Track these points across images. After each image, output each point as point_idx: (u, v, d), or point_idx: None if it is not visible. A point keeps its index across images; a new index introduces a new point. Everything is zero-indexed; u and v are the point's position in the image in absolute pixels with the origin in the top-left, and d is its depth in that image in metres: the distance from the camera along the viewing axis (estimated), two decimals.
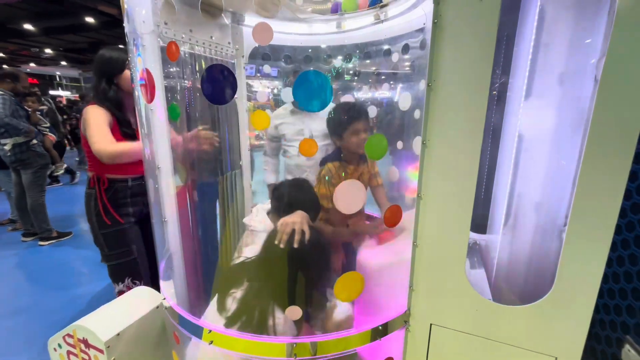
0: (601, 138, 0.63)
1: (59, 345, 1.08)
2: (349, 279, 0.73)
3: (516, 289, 0.94)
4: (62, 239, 3.23)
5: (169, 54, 0.67)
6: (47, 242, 3.13)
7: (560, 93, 0.90)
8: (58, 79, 17.78)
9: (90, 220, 1.41)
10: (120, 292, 1.33)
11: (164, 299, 0.93)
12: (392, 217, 0.76)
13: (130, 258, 1.39)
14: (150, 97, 0.72)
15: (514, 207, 1.00)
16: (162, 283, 1.00)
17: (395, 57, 1.32)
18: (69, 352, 1.07)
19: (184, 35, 1.11)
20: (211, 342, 0.79)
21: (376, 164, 1.33)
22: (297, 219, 0.89)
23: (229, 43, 1.40)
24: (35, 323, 2.03)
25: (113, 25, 7.01)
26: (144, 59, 0.78)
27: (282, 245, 0.86)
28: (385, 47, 1.36)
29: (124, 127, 1.41)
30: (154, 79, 0.70)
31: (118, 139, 1.33)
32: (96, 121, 1.32)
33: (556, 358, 0.75)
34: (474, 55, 0.67)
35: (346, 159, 1.21)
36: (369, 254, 0.94)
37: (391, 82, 1.34)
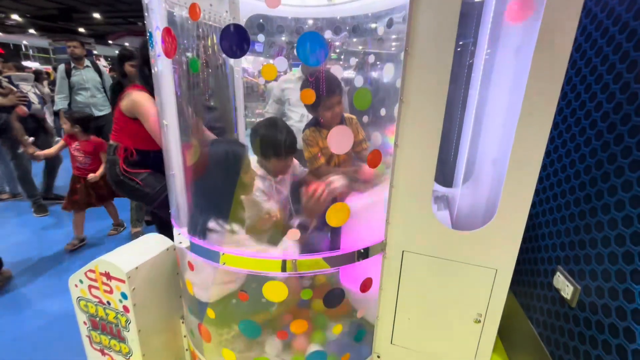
0: (533, 98, 0.81)
1: (80, 281, 1.23)
2: (338, 209, 0.91)
3: (470, 222, 1.16)
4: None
5: (191, 14, 0.79)
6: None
7: (515, 65, 1.08)
8: (24, 49, 16.56)
9: (119, 182, 1.59)
10: None
11: (180, 242, 1.08)
12: (374, 159, 0.93)
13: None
14: (173, 52, 0.84)
15: (469, 165, 1.20)
16: (178, 229, 1.14)
17: (381, 30, 1.46)
18: (90, 287, 1.22)
19: (185, 2, 1.21)
20: (224, 263, 0.95)
21: (362, 130, 1.47)
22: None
23: (227, 12, 1.49)
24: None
25: None
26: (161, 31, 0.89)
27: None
28: (372, 21, 1.48)
29: None
30: (176, 36, 0.81)
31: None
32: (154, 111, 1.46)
33: (497, 270, 0.97)
34: (442, 25, 0.83)
35: (323, 126, 1.34)
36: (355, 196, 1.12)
37: (377, 55, 1.47)
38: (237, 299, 1.00)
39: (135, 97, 1.52)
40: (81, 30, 12.39)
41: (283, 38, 1.65)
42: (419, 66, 0.87)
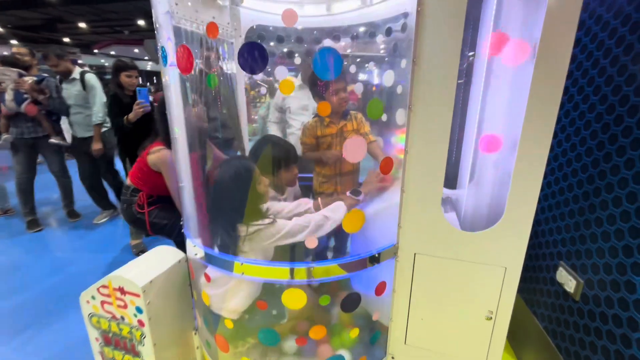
0: (536, 105, 0.86)
1: (92, 297, 1.22)
2: (354, 215, 0.94)
3: (477, 224, 1.20)
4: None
5: (209, 32, 0.81)
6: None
7: (511, 71, 1.13)
8: None
9: (136, 220, 1.73)
10: None
11: (196, 254, 1.09)
12: (386, 166, 0.97)
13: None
14: (188, 69, 0.85)
15: (475, 167, 1.25)
16: (192, 240, 1.15)
17: (379, 38, 1.50)
18: (102, 302, 1.21)
19: (191, 16, 1.23)
20: (242, 273, 0.97)
21: (367, 124, 1.51)
22: None
23: (228, 23, 1.51)
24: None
25: (73, 1, 6.53)
26: (173, 41, 0.91)
27: None
28: (371, 29, 1.52)
29: None
30: (191, 53, 0.83)
31: None
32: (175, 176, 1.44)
33: (506, 268, 1.01)
34: (447, 37, 0.86)
35: (326, 117, 1.39)
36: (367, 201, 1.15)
37: (376, 62, 1.52)
38: (256, 308, 1.02)
39: (164, 157, 1.60)
40: (66, 40, 12.19)
41: (283, 46, 1.68)
42: (425, 76, 0.91)
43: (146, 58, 17.02)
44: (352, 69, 1.63)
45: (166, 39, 0.94)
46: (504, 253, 1.00)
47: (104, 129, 2.87)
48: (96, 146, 2.79)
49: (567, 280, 1.28)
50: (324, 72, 0.80)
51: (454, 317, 1.12)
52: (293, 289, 0.95)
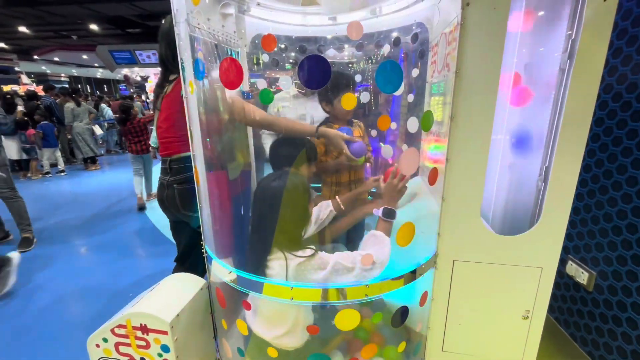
0: (573, 116, 0.91)
1: (104, 340, 1.07)
2: (406, 228, 0.92)
3: (503, 226, 1.24)
4: None
5: (264, 45, 0.75)
6: None
7: (525, 79, 1.19)
8: None
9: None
10: None
11: (230, 272, 1.00)
12: (433, 177, 0.97)
13: None
14: (237, 83, 0.78)
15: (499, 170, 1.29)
16: (218, 262, 1.06)
17: (386, 48, 1.52)
18: (117, 344, 1.07)
19: (204, 24, 1.15)
20: (292, 298, 0.90)
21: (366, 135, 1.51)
22: None
23: (235, 32, 1.43)
24: None
25: (12, 3, 5.86)
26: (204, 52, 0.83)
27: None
28: (378, 38, 1.54)
29: None
30: (241, 65, 0.76)
31: None
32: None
33: (542, 268, 1.05)
34: (489, 49, 0.89)
35: (334, 122, 1.37)
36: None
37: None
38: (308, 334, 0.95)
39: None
40: (1, 45, 10.91)
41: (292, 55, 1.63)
42: (467, 87, 0.93)
43: (96, 65, 15.76)
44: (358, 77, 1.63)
45: (197, 50, 0.86)
46: (541, 254, 1.04)
47: None
48: None
49: (579, 273, 1.37)
50: (385, 85, 0.78)
51: (492, 319, 1.14)
52: (347, 310, 0.91)
